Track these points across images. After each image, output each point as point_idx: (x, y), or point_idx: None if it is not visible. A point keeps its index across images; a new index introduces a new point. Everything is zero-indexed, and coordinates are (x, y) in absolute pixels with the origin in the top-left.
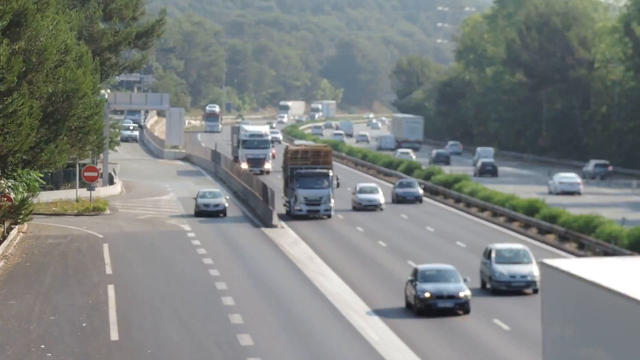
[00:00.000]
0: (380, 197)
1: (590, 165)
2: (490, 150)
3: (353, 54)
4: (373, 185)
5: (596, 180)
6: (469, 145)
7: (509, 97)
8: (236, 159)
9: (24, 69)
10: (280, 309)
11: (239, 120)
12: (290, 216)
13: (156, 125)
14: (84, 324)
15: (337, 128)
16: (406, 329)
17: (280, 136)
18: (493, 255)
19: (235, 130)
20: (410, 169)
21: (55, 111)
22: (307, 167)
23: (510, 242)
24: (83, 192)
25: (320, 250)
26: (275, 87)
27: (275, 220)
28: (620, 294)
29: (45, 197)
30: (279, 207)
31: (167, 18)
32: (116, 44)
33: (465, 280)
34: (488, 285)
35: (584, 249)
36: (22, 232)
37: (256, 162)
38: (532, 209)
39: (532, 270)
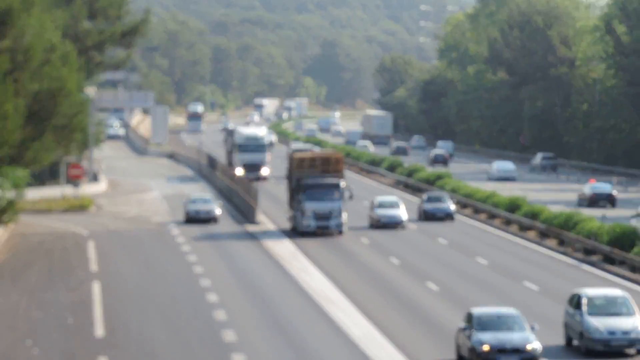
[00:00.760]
0: (403, 213)
1: (538, 158)
2: (449, 143)
3: (336, 52)
4: (393, 198)
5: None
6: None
7: (490, 96)
8: (230, 164)
9: (9, 67)
10: (264, 305)
11: (223, 117)
12: (296, 233)
13: (141, 123)
14: (69, 321)
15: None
16: None
17: (273, 137)
18: (584, 304)
19: (230, 133)
20: (392, 167)
21: (41, 109)
22: (315, 176)
23: (605, 287)
24: (68, 190)
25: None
26: (259, 85)
27: (258, 217)
28: None
29: (31, 194)
30: (263, 205)
31: (152, 17)
32: (101, 43)
33: (532, 329)
34: (575, 342)
35: (564, 245)
36: (7, 227)
37: (252, 168)
38: (513, 206)
39: (636, 324)
